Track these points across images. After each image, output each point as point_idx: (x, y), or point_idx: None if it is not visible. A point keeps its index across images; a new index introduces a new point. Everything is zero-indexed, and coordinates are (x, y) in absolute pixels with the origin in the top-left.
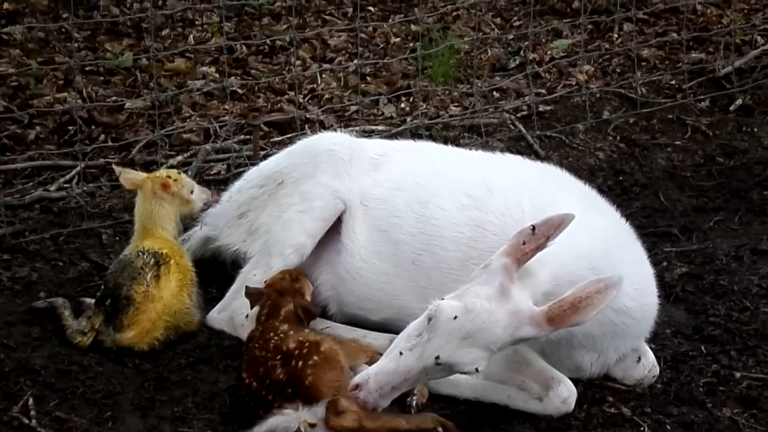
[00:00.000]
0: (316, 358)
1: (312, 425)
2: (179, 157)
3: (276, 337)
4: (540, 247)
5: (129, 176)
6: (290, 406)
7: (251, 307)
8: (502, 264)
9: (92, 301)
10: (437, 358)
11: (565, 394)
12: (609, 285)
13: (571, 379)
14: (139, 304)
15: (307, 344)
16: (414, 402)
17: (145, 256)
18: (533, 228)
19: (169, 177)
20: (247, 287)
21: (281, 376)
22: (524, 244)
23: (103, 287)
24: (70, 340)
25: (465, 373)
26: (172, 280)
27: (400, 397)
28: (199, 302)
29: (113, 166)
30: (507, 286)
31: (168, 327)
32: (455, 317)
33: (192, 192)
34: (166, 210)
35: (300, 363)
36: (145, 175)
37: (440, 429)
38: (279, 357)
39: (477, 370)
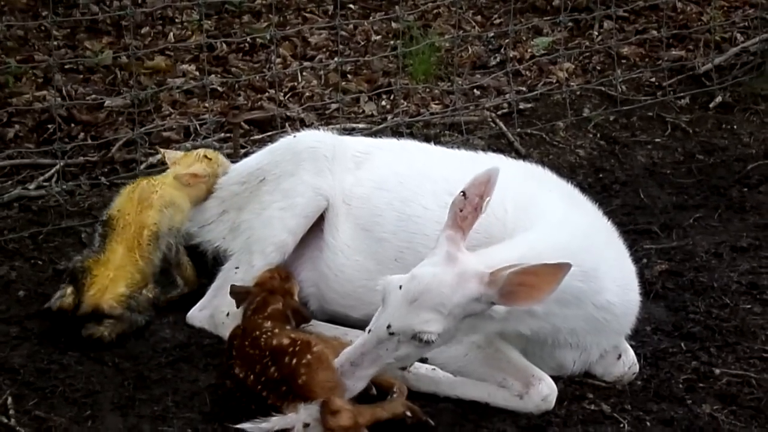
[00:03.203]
0: (309, 356)
1: (306, 425)
2: (159, 156)
3: (264, 335)
4: (477, 208)
5: (172, 157)
6: (291, 407)
7: (237, 306)
8: (446, 235)
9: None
10: (389, 327)
11: (545, 392)
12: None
13: (551, 375)
14: (92, 268)
15: (299, 342)
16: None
17: (98, 231)
18: (463, 193)
19: (207, 157)
20: (232, 286)
21: (275, 374)
22: (461, 211)
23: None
24: (52, 308)
25: (422, 339)
26: (116, 244)
27: (380, 396)
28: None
29: (157, 148)
30: (453, 253)
31: (128, 285)
32: (400, 286)
33: (225, 172)
34: (198, 187)
35: (294, 361)
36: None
37: (408, 413)
38: (271, 354)
39: (435, 336)
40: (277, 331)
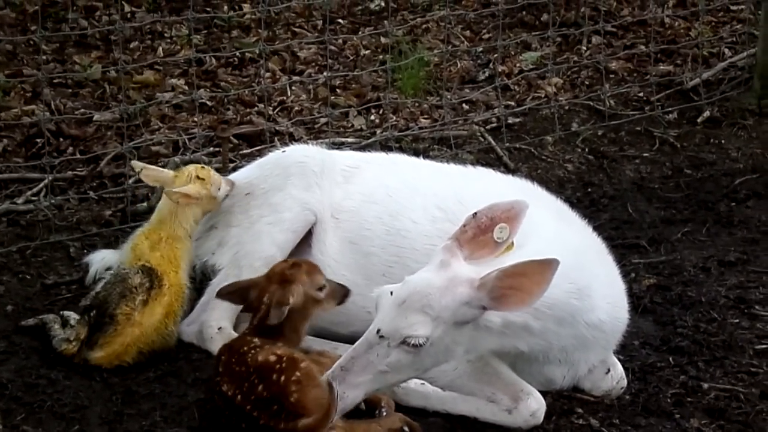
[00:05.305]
0: (298, 373)
1: None
2: (136, 173)
3: (251, 351)
4: (482, 228)
5: (151, 173)
6: (284, 426)
7: (240, 303)
8: (444, 245)
9: (75, 314)
10: (378, 331)
11: (534, 407)
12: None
13: (540, 390)
14: (118, 326)
15: (285, 359)
16: (383, 414)
17: (141, 276)
18: (474, 213)
19: (200, 177)
20: (220, 289)
21: (264, 393)
22: (464, 226)
23: (93, 295)
24: (56, 347)
25: (410, 343)
26: (159, 307)
27: (369, 411)
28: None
29: (132, 163)
30: (447, 260)
31: (141, 352)
32: (391, 292)
33: (219, 189)
34: (191, 210)
35: (282, 378)
36: (171, 173)
37: (406, 428)
38: (257, 371)
39: (423, 339)
40: (263, 346)
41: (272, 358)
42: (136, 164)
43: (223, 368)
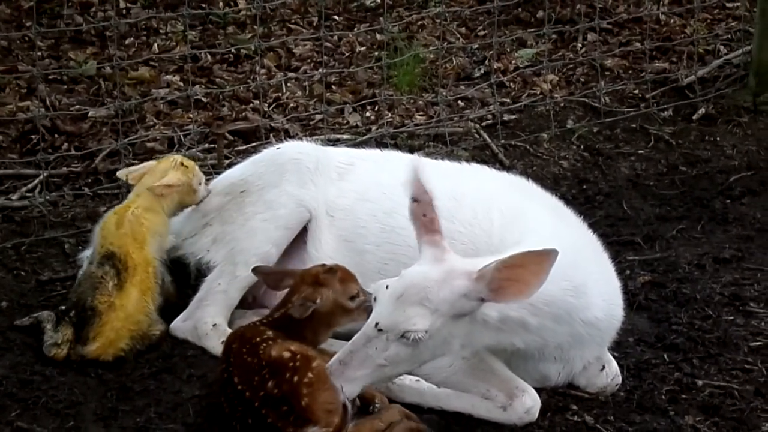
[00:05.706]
0: (310, 375)
1: None
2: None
3: (264, 343)
4: (433, 206)
5: (137, 174)
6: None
7: (272, 288)
8: (426, 241)
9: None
10: (377, 325)
11: (529, 404)
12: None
13: (534, 387)
14: (102, 315)
15: (299, 357)
16: (377, 409)
17: (104, 267)
18: (414, 199)
19: (183, 164)
20: (258, 267)
21: (275, 390)
22: (425, 216)
23: (67, 300)
24: (46, 353)
25: (410, 336)
26: (132, 287)
27: (363, 408)
28: (167, 289)
29: (117, 174)
30: (439, 255)
31: (133, 336)
32: (387, 286)
33: (200, 183)
34: (170, 195)
35: (295, 378)
36: (153, 162)
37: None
38: (269, 366)
39: (422, 332)
40: (275, 340)
41: (286, 354)
42: (120, 174)
43: (235, 358)
